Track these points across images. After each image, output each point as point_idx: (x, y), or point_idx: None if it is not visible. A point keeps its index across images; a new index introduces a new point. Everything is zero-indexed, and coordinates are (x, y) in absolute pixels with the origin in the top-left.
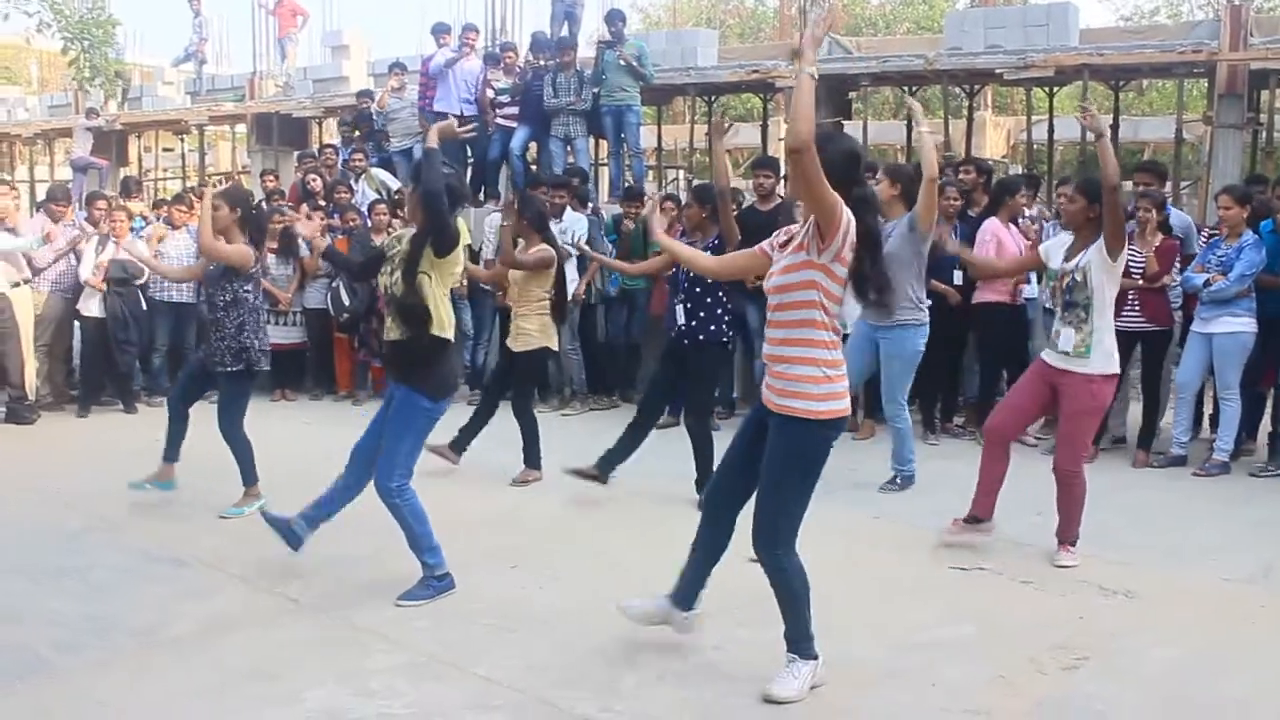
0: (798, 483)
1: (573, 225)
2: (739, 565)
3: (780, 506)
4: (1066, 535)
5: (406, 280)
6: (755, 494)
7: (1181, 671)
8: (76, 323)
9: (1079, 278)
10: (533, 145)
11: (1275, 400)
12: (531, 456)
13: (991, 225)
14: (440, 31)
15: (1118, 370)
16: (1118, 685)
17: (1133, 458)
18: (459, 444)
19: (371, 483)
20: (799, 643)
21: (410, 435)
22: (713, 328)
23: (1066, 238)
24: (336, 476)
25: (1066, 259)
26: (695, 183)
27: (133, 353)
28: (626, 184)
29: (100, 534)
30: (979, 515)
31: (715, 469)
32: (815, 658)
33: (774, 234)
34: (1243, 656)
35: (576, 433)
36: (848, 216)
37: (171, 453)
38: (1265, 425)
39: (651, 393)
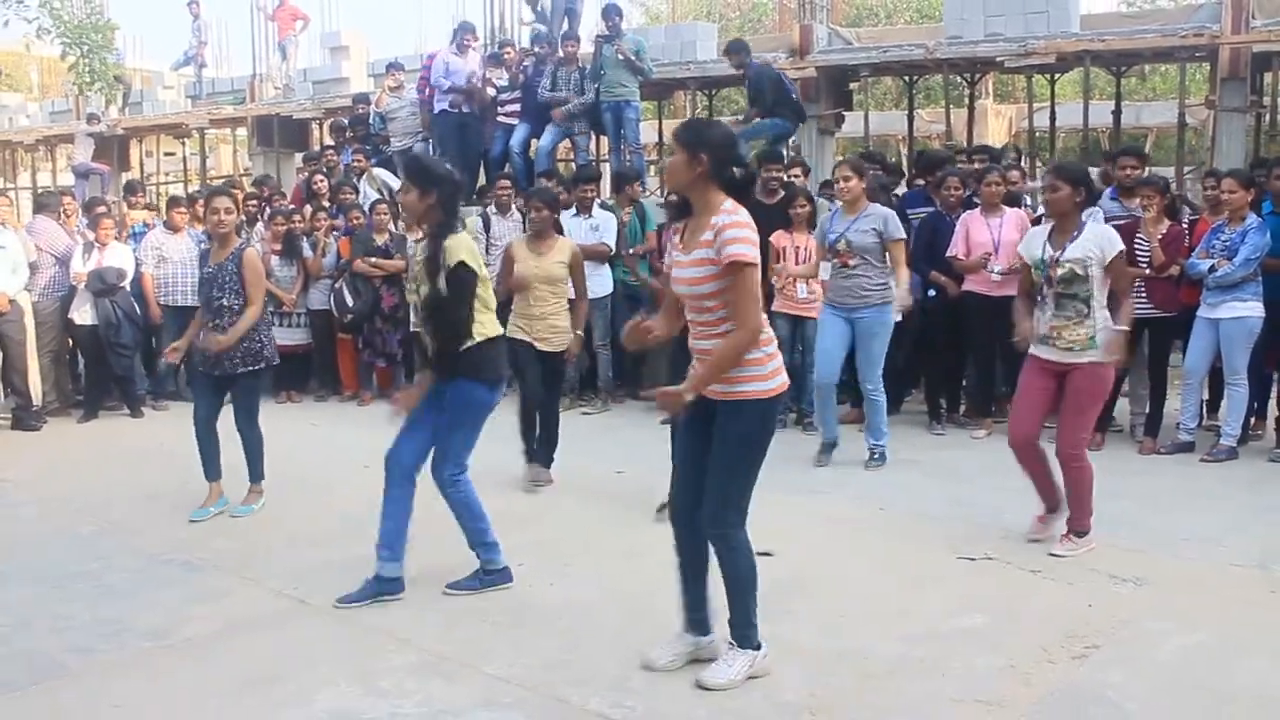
0: (753, 462)
1: (604, 221)
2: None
3: (734, 487)
4: (1076, 524)
5: (434, 284)
6: (707, 479)
7: (1193, 658)
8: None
9: (1079, 270)
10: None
11: None
12: (548, 457)
13: (966, 217)
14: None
15: None
16: (1129, 673)
17: (1139, 445)
18: (537, 458)
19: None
20: (741, 629)
21: (465, 428)
22: None
23: (1043, 228)
24: (384, 495)
25: (1054, 248)
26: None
27: (129, 355)
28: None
29: (110, 538)
30: (1054, 509)
31: (672, 482)
32: (758, 647)
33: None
34: (1254, 643)
35: (595, 428)
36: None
37: (211, 471)
38: (1273, 409)
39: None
